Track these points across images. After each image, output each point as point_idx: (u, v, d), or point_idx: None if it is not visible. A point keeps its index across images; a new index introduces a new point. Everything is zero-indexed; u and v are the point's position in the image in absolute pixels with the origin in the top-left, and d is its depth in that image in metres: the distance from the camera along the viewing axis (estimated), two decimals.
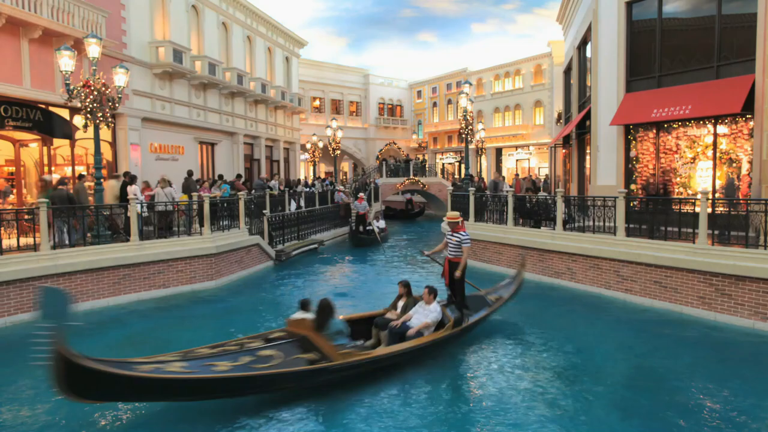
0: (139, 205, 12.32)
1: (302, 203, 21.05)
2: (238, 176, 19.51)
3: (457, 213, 8.97)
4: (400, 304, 8.30)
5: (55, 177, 13.76)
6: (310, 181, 26.77)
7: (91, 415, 6.11)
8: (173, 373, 5.60)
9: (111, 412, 6.20)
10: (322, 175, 38.42)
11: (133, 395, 5.71)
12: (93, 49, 11.58)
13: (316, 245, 19.37)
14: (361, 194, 22.67)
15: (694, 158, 13.58)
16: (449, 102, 43.21)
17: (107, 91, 11.79)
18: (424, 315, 7.78)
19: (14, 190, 14.80)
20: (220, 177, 18.42)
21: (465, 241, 8.57)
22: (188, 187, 14.98)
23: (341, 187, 24.99)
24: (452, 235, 8.68)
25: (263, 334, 7.24)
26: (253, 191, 18.00)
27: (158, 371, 5.53)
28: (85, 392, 5.20)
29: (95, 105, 11.56)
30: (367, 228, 21.63)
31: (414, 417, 6.09)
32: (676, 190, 13.81)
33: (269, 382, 6.14)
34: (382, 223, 23.41)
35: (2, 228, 10.10)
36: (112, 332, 9.54)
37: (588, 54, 17.88)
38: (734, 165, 12.80)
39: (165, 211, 13.12)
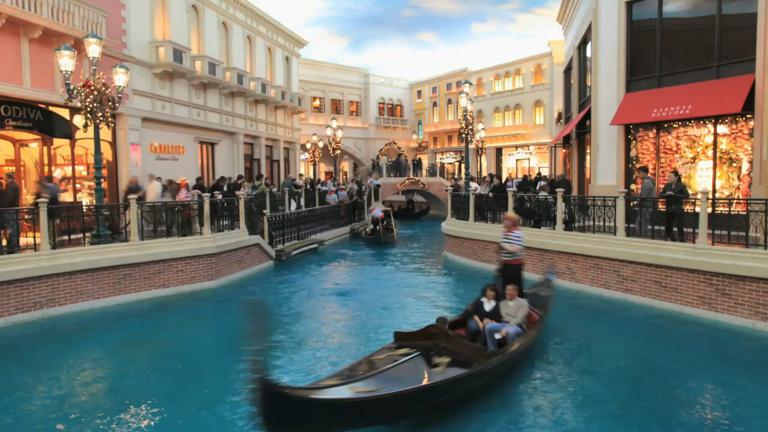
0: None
1: (302, 203, 21.08)
2: (240, 177, 19.55)
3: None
4: (488, 306, 7.89)
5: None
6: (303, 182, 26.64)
7: (79, 418, 6.12)
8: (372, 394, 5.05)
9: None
10: (323, 176, 38.38)
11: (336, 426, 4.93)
12: (93, 49, 11.58)
13: (316, 245, 19.38)
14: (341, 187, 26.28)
15: (694, 158, 13.58)
16: (449, 102, 43.20)
17: (107, 91, 11.79)
18: (516, 309, 7.69)
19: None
20: (240, 177, 18.72)
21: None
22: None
23: (343, 187, 25.31)
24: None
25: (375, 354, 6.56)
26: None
27: (365, 394, 5.01)
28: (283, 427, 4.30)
29: (95, 105, 11.56)
30: (376, 227, 22.08)
31: None
32: None
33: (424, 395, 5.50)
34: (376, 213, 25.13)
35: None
36: (113, 332, 9.53)
37: (588, 54, 17.88)
38: (734, 165, 12.80)
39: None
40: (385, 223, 22.99)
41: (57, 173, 15.24)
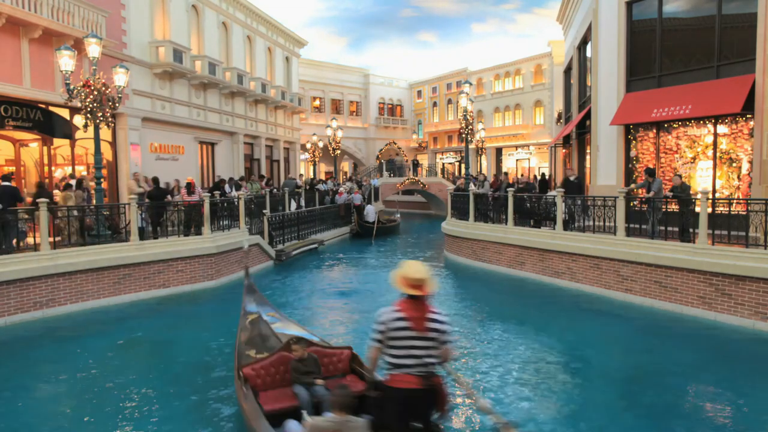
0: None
1: (302, 203, 21.09)
2: (241, 177, 19.58)
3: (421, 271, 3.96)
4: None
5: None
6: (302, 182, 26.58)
7: (79, 418, 6.12)
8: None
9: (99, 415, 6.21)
10: (323, 176, 38.37)
11: None
12: (93, 49, 11.58)
13: (316, 245, 19.40)
14: (356, 189, 26.42)
15: (694, 158, 13.58)
16: (449, 102, 43.19)
17: (107, 91, 11.79)
18: None
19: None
20: (241, 179, 18.74)
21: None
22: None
23: (344, 187, 25.53)
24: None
25: None
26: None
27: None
28: None
29: (95, 105, 11.56)
30: (367, 220, 23.91)
31: None
32: None
33: None
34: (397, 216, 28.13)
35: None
36: (113, 332, 9.52)
37: (588, 54, 17.88)
38: (734, 165, 12.80)
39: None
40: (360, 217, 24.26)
41: (58, 173, 15.25)
